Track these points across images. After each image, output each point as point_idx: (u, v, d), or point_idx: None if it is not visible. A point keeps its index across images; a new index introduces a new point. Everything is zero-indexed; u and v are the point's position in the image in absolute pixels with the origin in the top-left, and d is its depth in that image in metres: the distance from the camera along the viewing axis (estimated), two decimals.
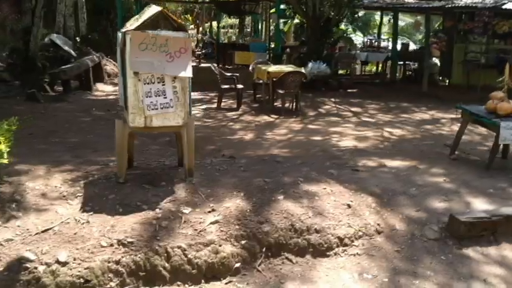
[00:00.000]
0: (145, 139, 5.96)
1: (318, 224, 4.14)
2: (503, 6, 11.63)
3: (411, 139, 7.84)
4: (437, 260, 4.04)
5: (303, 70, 10.58)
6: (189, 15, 22.99)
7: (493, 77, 13.44)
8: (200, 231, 3.73)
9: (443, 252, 4.18)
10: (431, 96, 12.72)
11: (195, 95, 12.21)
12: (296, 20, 19.27)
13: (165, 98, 4.05)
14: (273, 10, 17.80)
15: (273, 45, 15.87)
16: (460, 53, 13.87)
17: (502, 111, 5.87)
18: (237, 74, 11.04)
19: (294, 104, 10.59)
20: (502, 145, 6.36)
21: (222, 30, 26.08)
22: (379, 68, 16.26)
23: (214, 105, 10.88)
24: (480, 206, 4.84)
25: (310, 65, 13.66)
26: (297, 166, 5.46)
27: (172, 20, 4.09)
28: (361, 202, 4.61)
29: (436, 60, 15.71)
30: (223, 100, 11.05)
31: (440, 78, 15.54)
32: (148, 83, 4.01)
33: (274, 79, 10.21)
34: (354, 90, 13.90)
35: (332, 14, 14.43)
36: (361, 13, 22.77)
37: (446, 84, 15.07)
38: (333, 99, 12.29)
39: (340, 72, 15.45)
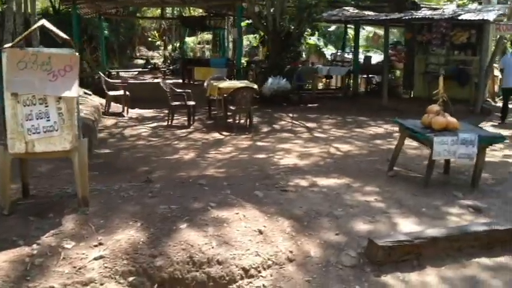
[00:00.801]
0: (59, 163, 5.58)
1: (222, 254, 3.79)
2: (460, 17, 11.54)
3: (356, 155, 7.58)
4: None
5: (254, 86, 10.29)
6: (155, 32, 22.73)
7: (453, 89, 13.43)
8: (80, 268, 3.35)
9: (359, 281, 3.86)
10: (391, 110, 12.52)
11: (149, 113, 11.89)
12: None
13: (48, 120, 3.70)
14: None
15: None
16: (420, 64, 13.76)
17: (437, 126, 5.62)
18: (189, 91, 10.73)
19: (248, 120, 10.30)
20: (444, 160, 6.13)
21: (198, 46, 25.88)
22: (344, 82, 16.10)
23: (166, 123, 10.55)
24: (407, 227, 4.55)
25: (270, 80, 13.48)
26: (219, 189, 5.12)
27: (56, 35, 3.75)
28: (275, 227, 4.27)
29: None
30: (176, 118, 10.73)
31: (404, 90, 15.41)
32: (28, 105, 3.66)
33: (226, 95, 9.92)
34: (315, 105, 13.70)
35: (292, 28, 14.26)
36: (333, 27, 22.76)
37: (410, 96, 14.93)
38: (291, 115, 12.06)
39: (306, 86, 15.26)
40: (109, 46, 24.25)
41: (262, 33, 16.03)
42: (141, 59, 24.85)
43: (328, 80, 17.04)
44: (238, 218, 4.28)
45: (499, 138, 5.66)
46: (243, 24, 16.11)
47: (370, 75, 15.98)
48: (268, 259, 3.91)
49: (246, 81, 11.20)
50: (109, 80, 12.38)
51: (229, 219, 4.24)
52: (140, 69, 20.63)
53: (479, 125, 10.67)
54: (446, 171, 6.34)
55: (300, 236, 4.25)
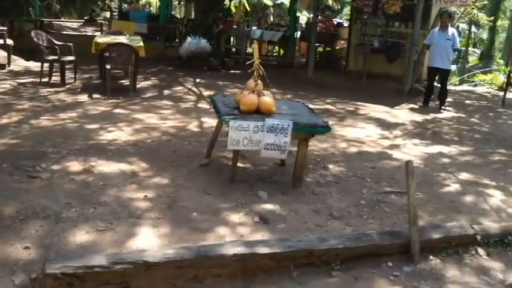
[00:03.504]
0: None
1: None
2: None
3: (200, 133, 6.33)
4: None
5: (140, 43, 8.94)
6: None
7: (384, 64, 12.12)
8: None
9: None
10: (315, 84, 11.24)
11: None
12: None
13: None
14: None
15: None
16: (356, 35, 12.37)
17: (244, 106, 4.41)
18: (70, 44, 9.36)
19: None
20: None
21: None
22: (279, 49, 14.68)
23: (47, 79, 9.20)
24: (147, 241, 3.39)
25: (188, 40, 12.11)
26: None
27: None
28: None
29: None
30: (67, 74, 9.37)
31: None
32: None
33: (102, 52, 8.60)
34: (237, 72, 12.34)
35: None
36: None
37: (345, 70, 13.52)
38: (198, 80, 10.74)
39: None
40: None
41: None
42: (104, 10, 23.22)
43: (270, 46, 15.59)
44: None
45: (323, 128, 4.43)
46: None
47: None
48: None
49: (137, 37, 9.81)
50: None
51: None
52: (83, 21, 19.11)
53: (398, 107, 9.46)
54: (282, 163, 5.16)
55: None
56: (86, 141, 5.53)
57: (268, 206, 4.13)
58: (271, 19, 21.16)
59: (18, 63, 10.74)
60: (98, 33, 12.46)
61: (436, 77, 9.61)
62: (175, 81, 10.50)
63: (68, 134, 5.82)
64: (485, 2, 23.76)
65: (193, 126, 6.77)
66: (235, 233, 3.65)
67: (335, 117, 8.23)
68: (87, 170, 4.49)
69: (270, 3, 20.98)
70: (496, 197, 4.94)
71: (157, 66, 11.98)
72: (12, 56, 10.85)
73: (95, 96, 8.33)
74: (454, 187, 5.15)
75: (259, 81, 4.64)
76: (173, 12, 21.49)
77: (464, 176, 5.56)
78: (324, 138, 6.68)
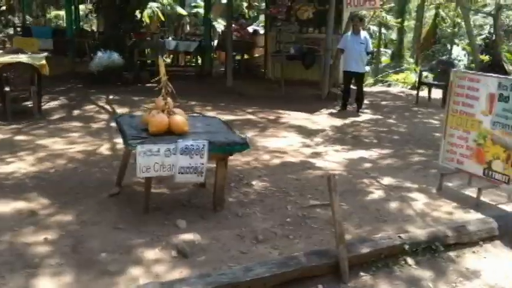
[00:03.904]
0: None
1: None
2: None
3: (114, 156, 5.85)
4: None
5: (42, 61, 8.23)
6: None
7: (302, 71, 12.16)
8: None
9: None
10: (234, 93, 11.02)
11: None
12: None
13: None
14: None
15: None
16: (272, 43, 12.31)
17: (153, 128, 4.02)
18: None
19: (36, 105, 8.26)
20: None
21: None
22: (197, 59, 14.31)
23: None
24: None
25: (98, 54, 11.43)
26: None
27: None
28: None
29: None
30: None
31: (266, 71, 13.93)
32: None
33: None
34: (154, 85, 11.79)
35: None
36: None
37: (265, 78, 13.41)
38: (111, 97, 10.14)
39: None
40: None
41: None
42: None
43: (188, 56, 15.20)
44: None
45: (241, 146, 4.16)
46: None
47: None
48: None
49: (40, 54, 9.05)
50: None
51: None
52: None
53: (317, 112, 9.43)
54: (202, 184, 4.82)
55: None
56: None
57: (187, 236, 3.78)
58: (188, 29, 20.74)
59: None
60: None
61: (352, 81, 9.69)
62: (86, 99, 9.84)
63: None
64: (392, 5, 24.91)
65: (104, 149, 6.26)
66: (150, 273, 3.27)
67: (257, 127, 8.03)
68: None
69: (185, 12, 20.56)
70: (419, 201, 4.92)
71: (66, 85, 11.24)
72: None
73: None
74: (378, 194, 5.07)
75: (168, 98, 4.28)
76: (85, 26, 20.48)
77: (387, 180, 5.52)
78: (247, 152, 6.42)
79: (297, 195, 4.88)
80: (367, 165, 6.16)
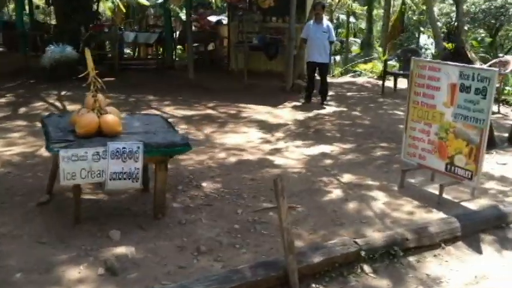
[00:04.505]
0: None
1: None
2: None
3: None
4: None
5: None
6: None
7: (265, 62, 11.80)
8: None
9: None
10: (195, 86, 10.58)
11: None
12: None
13: None
14: None
15: None
16: (234, 33, 11.88)
17: (81, 129, 3.60)
18: None
19: None
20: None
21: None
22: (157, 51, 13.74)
23: None
24: None
25: (50, 48, 10.80)
26: None
27: None
28: None
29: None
30: None
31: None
32: None
33: None
34: (111, 79, 11.27)
35: None
36: None
37: (228, 70, 12.98)
38: (63, 93, 9.57)
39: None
40: None
41: None
42: None
43: (152, 49, 14.61)
44: None
45: (182, 147, 3.76)
46: None
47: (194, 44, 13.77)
48: None
49: None
50: None
51: None
52: None
53: (281, 106, 9.08)
54: (145, 188, 4.40)
55: None
56: None
57: (120, 250, 3.39)
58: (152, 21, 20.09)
59: None
60: None
61: (317, 72, 9.38)
62: (35, 96, 9.25)
63: None
64: None
65: (44, 150, 5.75)
66: None
67: (216, 123, 7.64)
68: None
69: (147, 3, 19.89)
70: (379, 200, 4.62)
71: (16, 81, 10.59)
72: None
73: None
74: (336, 193, 4.76)
75: (99, 95, 3.85)
76: (44, 18, 19.58)
77: (347, 178, 5.22)
78: (202, 149, 6.06)
79: (249, 198, 4.53)
80: (328, 161, 5.84)
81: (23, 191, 4.32)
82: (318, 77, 9.57)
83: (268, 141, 6.68)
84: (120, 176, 3.49)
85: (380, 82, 11.48)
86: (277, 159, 5.84)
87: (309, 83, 9.42)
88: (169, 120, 7.56)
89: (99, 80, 3.85)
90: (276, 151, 6.21)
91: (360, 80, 13.55)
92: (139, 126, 4.00)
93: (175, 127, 7.08)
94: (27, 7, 13.88)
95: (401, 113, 8.68)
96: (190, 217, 3.99)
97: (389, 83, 11.03)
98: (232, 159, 5.80)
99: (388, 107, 9.35)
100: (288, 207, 3.28)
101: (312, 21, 9.26)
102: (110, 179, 3.48)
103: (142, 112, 8.10)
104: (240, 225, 3.92)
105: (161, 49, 13.39)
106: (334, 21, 22.09)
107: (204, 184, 4.81)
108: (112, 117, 3.66)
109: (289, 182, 4.85)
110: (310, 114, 8.45)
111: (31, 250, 3.32)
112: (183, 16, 20.26)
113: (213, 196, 4.50)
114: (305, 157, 5.97)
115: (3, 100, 8.77)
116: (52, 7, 13.00)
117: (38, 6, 14.31)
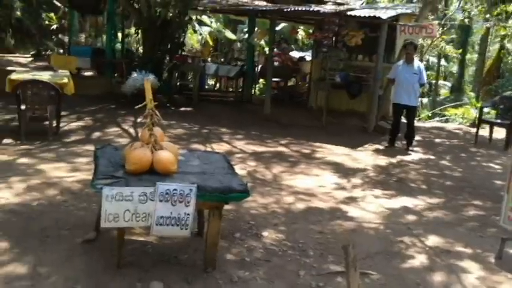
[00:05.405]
0: None
1: None
2: (349, 13, 9.24)
3: None
4: None
5: (63, 80, 7.74)
6: (52, 14, 20.01)
7: (348, 101, 11.19)
8: None
9: None
10: (272, 122, 10.21)
11: None
12: None
13: None
14: None
15: None
16: (316, 69, 11.44)
17: (131, 166, 3.23)
18: None
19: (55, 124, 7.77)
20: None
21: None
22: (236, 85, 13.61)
23: None
24: None
25: (133, 75, 10.97)
26: None
27: None
28: None
29: None
30: None
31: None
32: None
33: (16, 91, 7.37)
34: (188, 109, 11.24)
35: (171, 14, 11.76)
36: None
37: (309, 106, 12.51)
38: (139, 120, 9.55)
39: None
40: (24, 29, 21.40)
41: None
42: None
43: (230, 81, 14.55)
44: None
45: (239, 194, 3.27)
46: None
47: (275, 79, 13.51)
48: None
49: (63, 73, 8.58)
50: None
51: None
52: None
53: (360, 148, 8.42)
54: (199, 232, 3.97)
55: None
56: None
57: None
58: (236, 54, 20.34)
59: None
60: (20, 69, 11.19)
61: (403, 114, 8.64)
62: (112, 121, 9.30)
63: None
64: (454, 36, 23.53)
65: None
66: None
67: (287, 162, 7.14)
68: None
69: (234, 37, 20.19)
70: (472, 273, 3.84)
71: (98, 105, 10.81)
72: None
73: (5, 141, 7.07)
74: (419, 260, 4.03)
75: (156, 129, 3.49)
76: (133, 47, 20.43)
77: (433, 240, 4.47)
78: (267, 191, 5.57)
79: (315, 256, 3.93)
80: (411, 217, 5.11)
81: (71, 224, 4.03)
82: (403, 120, 8.83)
83: (342, 188, 6.05)
84: (167, 222, 3.06)
85: (473, 130, 10.48)
86: (351, 210, 5.20)
87: (393, 126, 8.69)
88: (239, 155, 7.33)
89: (157, 112, 3.48)
90: (351, 200, 5.56)
91: (449, 126, 12.54)
92: (197, 166, 3.59)
93: (244, 163, 6.85)
94: (119, 35, 14.49)
95: (497, 167, 7.71)
96: (244, 274, 3.46)
97: (483, 132, 9.99)
98: (300, 205, 5.24)
99: (482, 158, 8.37)
100: (359, 273, 2.68)
101: (401, 62, 8.61)
102: (156, 224, 3.06)
103: (211, 145, 7.83)
104: None
105: (241, 82, 13.27)
106: (424, 62, 21.11)
107: (265, 233, 4.28)
108: (166, 154, 3.27)
109: (364, 239, 4.20)
110: (393, 160, 7.70)
111: None
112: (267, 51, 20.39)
113: (274, 250, 3.95)
114: (384, 210, 5.27)
115: (80, 123, 8.87)
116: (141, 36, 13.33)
117: (127, 35, 14.75)
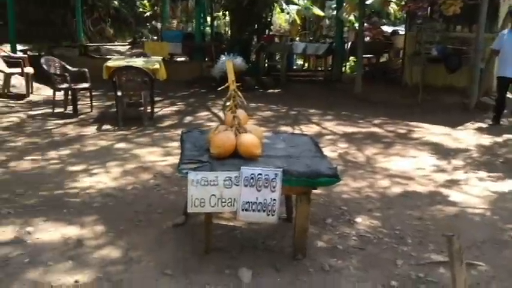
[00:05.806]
0: None
1: None
2: None
3: None
4: None
5: (155, 65, 7.94)
6: (146, 1, 20.70)
7: (445, 76, 10.39)
8: None
9: None
10: (364, 101, 9.81)
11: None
12: None
13: None
14: None
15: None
16: (410, 43, 10.75)
17: (215, 149, 3.16)
18: (85, 70, 8.56)
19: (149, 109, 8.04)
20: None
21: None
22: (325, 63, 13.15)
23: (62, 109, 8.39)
24: None
25: (221, 59, 11.05)
26: None
27: None
28: None
29: None
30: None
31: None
32: None
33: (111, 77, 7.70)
34: (276, 91, 11.13)
35: None
36: None
37: (403, 84, 11.84)
38: (228, 103, 9.60)
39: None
40: (121, 18, 22.62)
41: None
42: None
43: (319, 60, 14.16)
44: None
45: (328, 178, 3.06)
46: None
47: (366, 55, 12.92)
48: None
49: (156, 59, 8.80)
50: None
51: None
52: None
53: (461, 127, 7.80)
54: (288, 217, 3.84)
55: None
56: (52, 191, 4.51)
57: None
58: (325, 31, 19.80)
59: (41, 93, 10.15)
60: (116, 56, 11.66)
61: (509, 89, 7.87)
62: (203, 105, 9.44)
63: (40, 180, 4.84)
64: None
65: None
66: None
67: (380, 143, 6.78)
68: (18, 238, 3.42)
69: (322, 13, 19.64)
70: None
71: (190, 90, 11.05)
72: (37, 85, 10.33)
73: (104, 127, 7.42)
74: None
75: (239, 111, 3.39)
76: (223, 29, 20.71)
77: None
78: (360, 174, 5.30)
79: (414, 244, 3.64)
80: None
81: (163, 208, 4.09)
82: (510, 95, 8.03)
83: (442, 170, 5.61)
84: (253, 207, 2.96)
85: None
86: (453, 194, 4.79)
87: (498, 102, 7.93)
88: (329, 137, 7.09)
89: (240, 94, 3.37)
90: (453, 183, 5.14)
91: None
92: (283, 149, 3.44)
93: (335, 145, 6.61)
94: (208, 19, 14.68)
95: None
96: (336, 263, 3.28)
97: None
98: (396, 189, 4.92)
99: None
100: (466, 264, 2.40)
101: (506, 30, 7.81)
102: (242, 210, 2.97)
103: (300, 127, 7.65)
104: (398, 282, 3.09)
105: (331, 60, 12.86)
106: None
107: (358, 219, 4.05)
108: (250, 138, 3.16)
109: (469, 226, 3.83)
110: (499, 139, 7.03)
111: (153, 282, 2.96)
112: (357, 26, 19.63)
113: (368, 237, 3.72)
114: (490, 194, 4.81)
115: (174, 108, 9.10)
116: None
117: (216, 18, 14.87)
